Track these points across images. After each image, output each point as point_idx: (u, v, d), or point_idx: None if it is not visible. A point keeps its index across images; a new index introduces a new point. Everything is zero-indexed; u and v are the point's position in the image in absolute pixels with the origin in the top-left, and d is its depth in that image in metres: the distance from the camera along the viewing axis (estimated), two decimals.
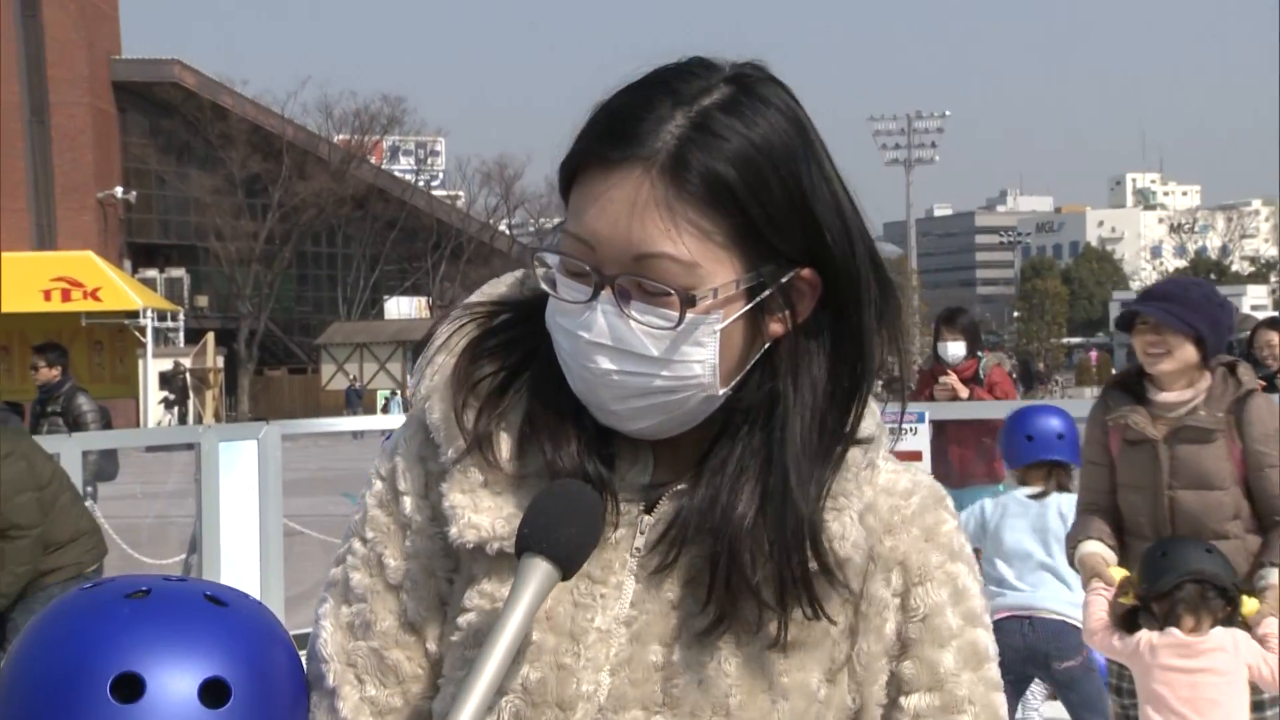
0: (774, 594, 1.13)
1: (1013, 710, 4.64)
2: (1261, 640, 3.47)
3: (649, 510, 1.18)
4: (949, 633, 1.19)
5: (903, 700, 1.19)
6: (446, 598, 1.21)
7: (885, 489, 1.22)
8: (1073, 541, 3.90)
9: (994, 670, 1.22)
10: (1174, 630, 3.43)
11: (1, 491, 4.85)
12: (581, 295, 1.12)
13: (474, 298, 1.27)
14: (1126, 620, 3.55)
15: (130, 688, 1.10)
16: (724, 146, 1.10)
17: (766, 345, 1.15)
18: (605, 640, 1.16)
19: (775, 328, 1.15)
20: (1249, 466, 3.69)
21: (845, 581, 1.16)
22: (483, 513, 1.17)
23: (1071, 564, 3.98)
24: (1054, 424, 4.66)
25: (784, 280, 1.13)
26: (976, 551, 4.74)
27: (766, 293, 1.13)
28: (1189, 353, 3.70)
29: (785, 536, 1.13)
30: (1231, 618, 3.47)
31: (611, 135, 1.11)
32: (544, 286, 1.16)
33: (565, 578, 1.12)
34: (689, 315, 1.10)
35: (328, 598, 1.25)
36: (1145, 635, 3.48)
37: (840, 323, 1.16)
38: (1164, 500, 3.71)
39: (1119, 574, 3.67)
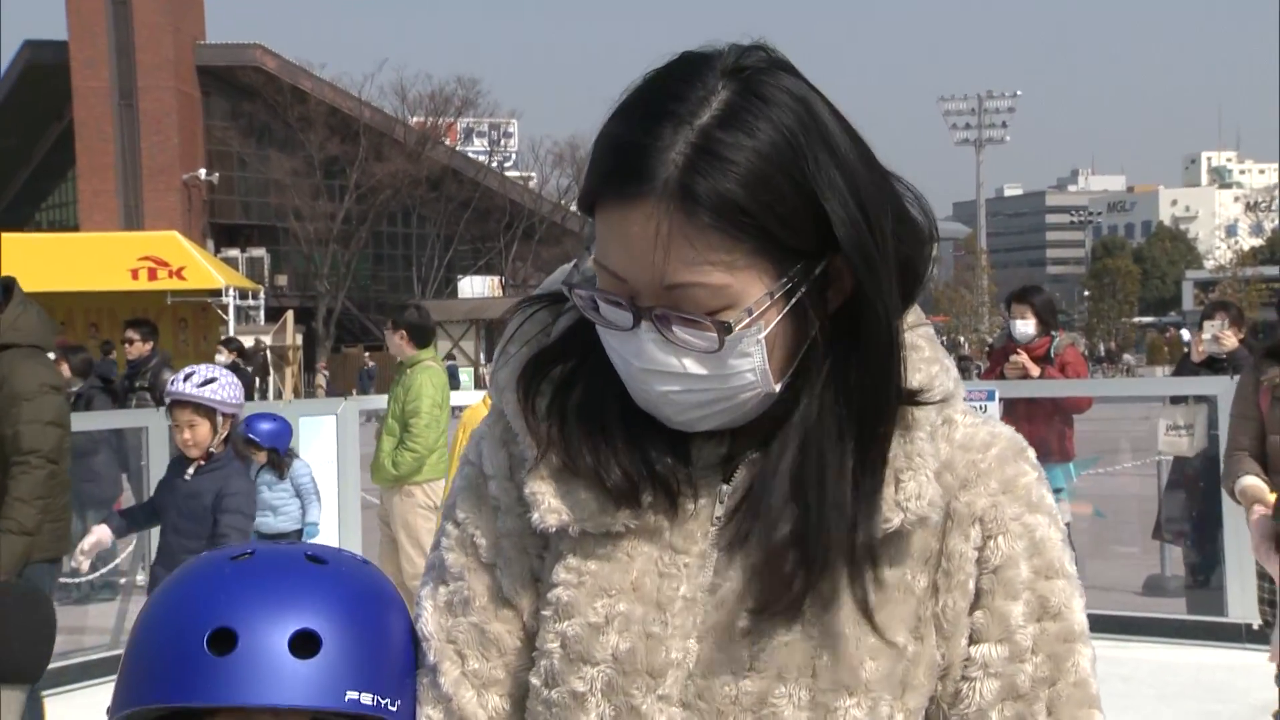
0: (845, 559, 1.13)
1: None
2: None
3: (728, 480, 1.18)
4: (1020, 584, 1.17)
5: (972, 650, 1.17)
6: (538, 573, 1.22)
7: (963, 444, 1.20)
8: (1231, 477, 4.44)
9: (1070, 623, 1.18)
10: None
11: (41, 414, 4.59)
12: (624, 321, 1.12)
13: (544, 287, 1.27)
14: (1276, 538, 4.02)
15: (225, 641, 1.14)
16: (728, 168, 1.07)
17: (816, 328, 1.14)
18: (691, 608, 1.16)
19: (820, 312, 1.14)
20: None
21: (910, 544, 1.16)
22: (561, 497, 1.18)
23: (1232, 497, 4.54)
24: None
25: (817, 273, 1.11)
26: None
27: (801, 292, 1.11)
28: None
29: (835, 506, 1.13)
30: None
31: (619, 171, 1.09)
32: (587, 315, 1.16)
33: (33, 682, 1.12)
34: (729, 337, 1.10)
35: (428, 580, 1.27)
36: None
37: (862, 298, 1.13)
38: None
39: (1273, 498, 4.21)
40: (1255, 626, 4.99)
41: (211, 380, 4.79)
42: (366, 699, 1.17)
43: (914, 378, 1.18)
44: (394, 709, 1.20)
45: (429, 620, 1.24)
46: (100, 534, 5.00)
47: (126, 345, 10.34)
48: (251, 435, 6.71)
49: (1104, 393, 9.94)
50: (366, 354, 35.06)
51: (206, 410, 4.75)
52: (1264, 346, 4.94)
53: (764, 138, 1.08)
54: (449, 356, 34.43)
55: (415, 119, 46.94)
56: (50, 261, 29.45)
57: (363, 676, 1.18)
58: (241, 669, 1.14)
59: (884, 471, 1.14)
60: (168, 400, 4.85)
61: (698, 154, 1.07)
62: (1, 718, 1.06)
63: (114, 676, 1.25)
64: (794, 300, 1.12)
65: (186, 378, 4.82)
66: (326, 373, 35.36)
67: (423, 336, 7.39)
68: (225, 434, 4.79)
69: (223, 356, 12.51)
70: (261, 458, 6.75)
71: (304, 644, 1.15)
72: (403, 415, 7.19)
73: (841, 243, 1.10)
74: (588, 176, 1.13)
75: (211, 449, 4.77)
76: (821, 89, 1.17)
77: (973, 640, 1.18)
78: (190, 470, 4.78)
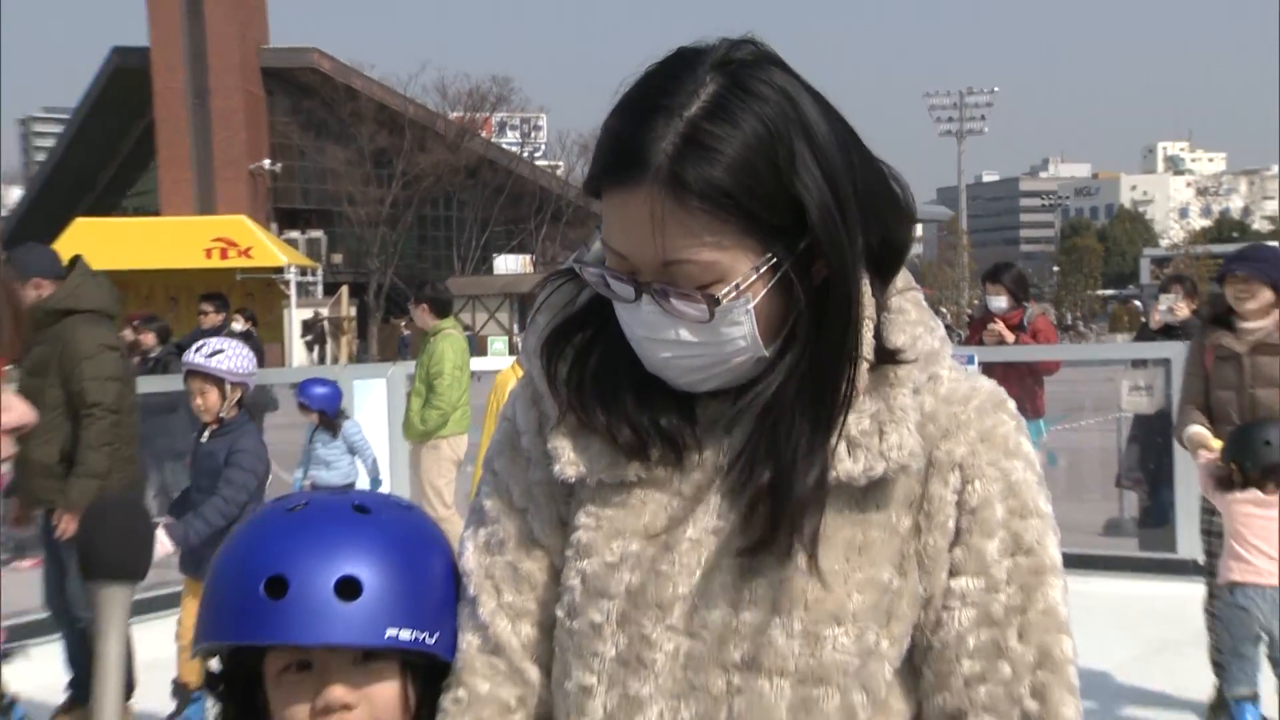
0: (831, 503, 1.12)
1: None
2: None
3: (730, 433, 1.17)
4: (996, 523, 1.16)
5: (951, 582, 1.16)
6: (565, 517, 1.22)
7: (946, 398, 1.18)
8: (1180, 426, 4.75)
9: (1041, 558, 1.16)
10: (1252, 490, 4.27)
11: (101, 371, 4.69)
12: (628, 295, 1.12)
13: (569, 263, 1.27)
14: (1222, 480, 4.36)
15: (279, 587, 1.16)
16: (715, 157, 1.06)
17: (803, 299, 1.12)
18: (696, 548, 1.16)
19: (807, 283, 1.13)
20: None
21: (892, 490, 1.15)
22: (578, 452, 1.18)
23: (1181, 443, 4.84)
24: None
25: (801, 248, 1.10)
26: None
27: (785, 267, 1.10)
28: (1266, 295, 4.67)
29: (807, 456, 1.11)
30: None
31: (618, 160, 1.09)
32: (598, 289, 1.15)
33: (139, 580, 1.15)
34: (718, 309, 1.09)
35: (471, 523, 1.27)
36: (1237, 494, 4.30)
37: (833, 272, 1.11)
38: (1246, 396, 4.64)
39: (1217, 444, 4.50)
40: (1200, 562, 5.04)
41: (219, 351, 4.69)
42: (405, 635, 1.18)
43: (898, 338, 1.16)
44: (431, 642, 1.20)
45: (470, 558, 1.24)
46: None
47: (201, 317, 10.37)
48: (303, 400, 6.73)
49: (1071, 357, 9.89)
50: (403, 324, 35.08)
51: (215, 379, 4.66)
52: (1209, 314, 5.11)
53: (748, 128, 1.07)
54: (467, 328, 34.38)
55: (455, 114, 46.69)
56: (136, 243, 29.65)
57: (402, 615, 1.18)
58: (293, 612, 1.15)
59: (832, 428, 1.12)
60: (184, 370, 4.77)
61: (686, 144, 1.06)
62: (115, 611, 1.07)
63: None
64: (779, 274, 1.10)
65: (198, 349, 4.74)
66: (357, 340, 35.33)
67: (442, 308, 7.47)
68: (236, 399, 4.70)
69: (238, 324, 11.87)
70: (314, 420, 6.78)
71: (348, 589, 1.16)
72: (428, 377, 7.24)
73: (812, 224, 1.08)
74: (592, 165, 1.13)
75: (222, 414, 4.68)
76: (816, 83, 1.14)
77: (952, 573, 1.16)
78: (205, 434, 4.73)
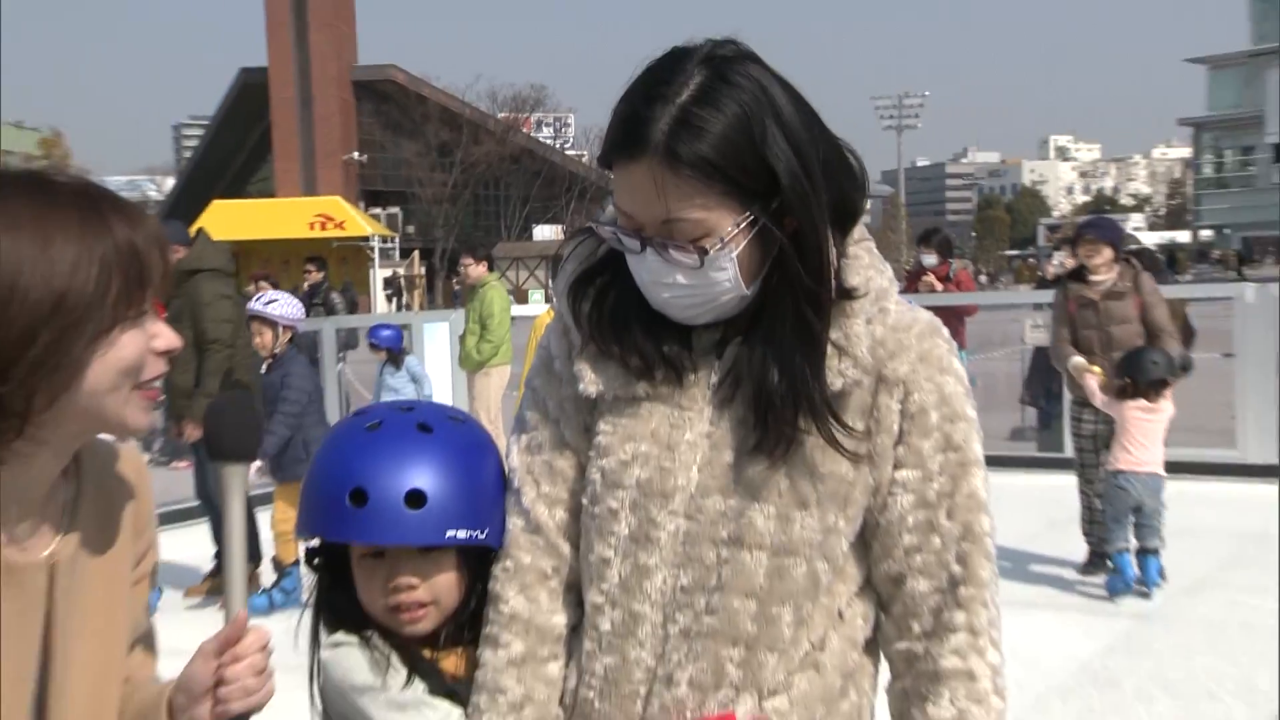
0: (805, 413, 1.10)
1: None
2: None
3: (720, 357, 1.15)
4: (930, 426, 1.14)
5: (895, 474, 1.15)
6: (589, 425, 1.20)
7: (893, 326, 1.15)
8: (1061, 359, 4.96)
9: (966, 453, 1.14)
10: (1141, 399, 4.60)
11: (218, 315, 4.74)
12: (635, 247, 1.10)
13: (590, 223, 1.24)
14: (1119, 391, 4.64)
15: (360, 498, 1.15)
16: (702, 135, 1.04)
17: (779, 248, 1.09)
18: (693, 449, 1.15)
19: (781, 235, 1.09)
20: (1145, 308, 4.84)
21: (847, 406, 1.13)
22: (597, 373, 1.16)
23: (1064, 372, 5.03)
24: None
25: (774, 207, 1.07)
26: None
27: (762, 222, 1.07)
28: (1108, 253, 4.93)
29: (796, 375, 1.10)
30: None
31: (624, 139, 1.07)
32: (611, 244, 1.13)
33: (252, 460, 1.12)
34: (707, 258, 1.07)
35: (516, 429, 1.26)
36: (1129, 403, 4.62)
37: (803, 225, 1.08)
38: (1104, 334, 4.85)
39: (1096, 369, 4.78)
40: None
41: (274, 301, 4.75)
42: (462, 534, 1.18)
43: (854, 279, 1.14)
44: (483, 536, 1.20)
45: (515, 457, 1.23)
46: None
47: (306, 275, 10.32)
48: (373, 341, 6.84)
49: (985, 301, 9.91)
50: (454, 282, 35.09)
51: (270, 322, 4.71)
52: (1066, 273, 5.30)
53: (729, 111, 1.04)
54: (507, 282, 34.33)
55: (502, 114, 46.26)
56: (258, 219, 29.80)
57: (460, 517, 1.17)
58: (372, 518, 1.15)
59: (823, 348, 1.11)
60: (248, 316, 4.83)
61: (679, 125, 1.04)
62: (236, 485, 1.08)
63: None
64: (757, 228, 1.08)
65: (257, 299, 4.79)
66: (426, 293, 35.50)
67: (492, 265, 7.60)
68: (287, 339, 4.74)
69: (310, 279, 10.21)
70: (383, 356, 6.89)
71: (415, 499, 1.15)
72: (480, 319, 7.32)
73: (783, 188, 1.06)
74: (604, 142, 1.10)
75: (276, 350, 4.72)
76: (789, 78, 1.11)
77: (895, 467, 1.15)
78: (264, 368, 4.78)
